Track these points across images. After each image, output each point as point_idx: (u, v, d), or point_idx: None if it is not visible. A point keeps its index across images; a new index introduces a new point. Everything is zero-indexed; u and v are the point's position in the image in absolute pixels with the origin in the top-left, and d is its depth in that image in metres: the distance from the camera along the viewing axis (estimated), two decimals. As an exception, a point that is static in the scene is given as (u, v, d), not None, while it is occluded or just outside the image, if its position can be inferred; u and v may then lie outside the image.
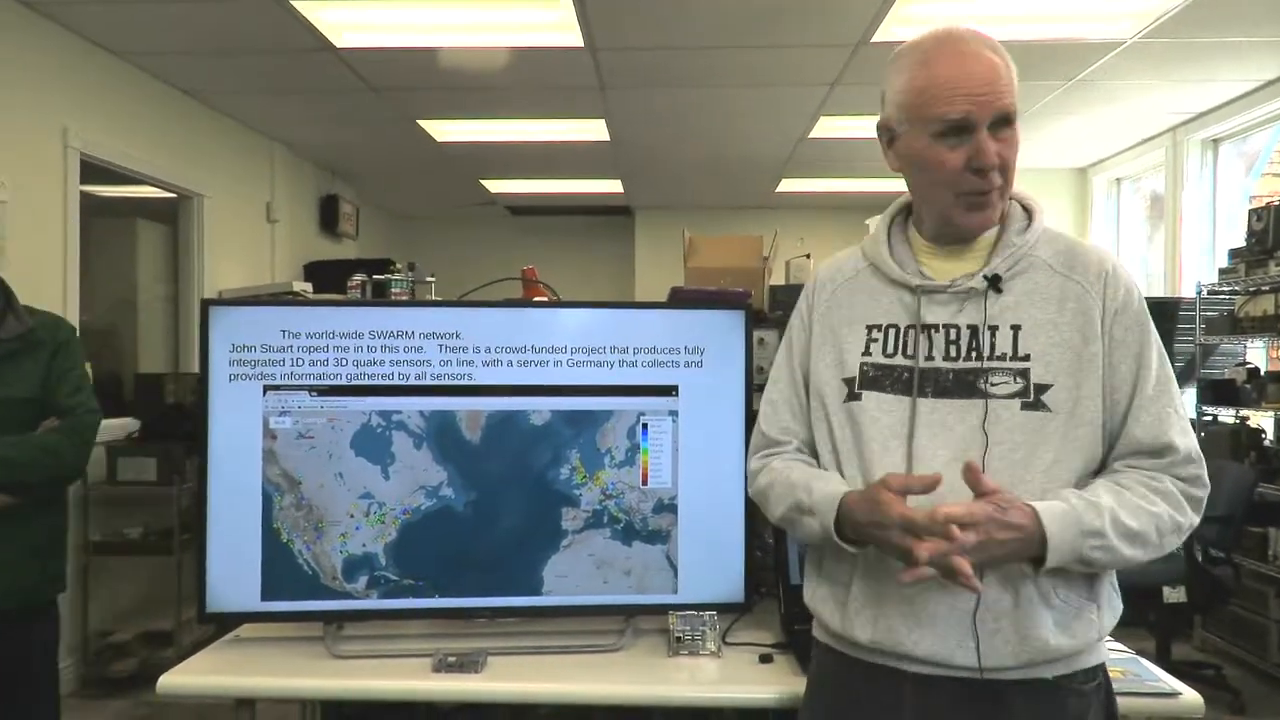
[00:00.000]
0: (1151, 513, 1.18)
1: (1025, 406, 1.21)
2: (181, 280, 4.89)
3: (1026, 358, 1.22)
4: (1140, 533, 1.18)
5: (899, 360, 1.28)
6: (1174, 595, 3.58)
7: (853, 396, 1.31)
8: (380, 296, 2.54)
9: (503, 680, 1.65)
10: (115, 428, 3.95)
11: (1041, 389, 1.21)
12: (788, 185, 7.09)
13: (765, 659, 1.71)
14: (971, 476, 1.15)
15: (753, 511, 1.77)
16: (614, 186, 7.23)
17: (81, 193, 3.86)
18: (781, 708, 1.55)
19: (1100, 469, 1.25)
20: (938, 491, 1.16)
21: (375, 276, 2.57)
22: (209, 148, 4.94)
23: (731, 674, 1.67)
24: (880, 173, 5.55)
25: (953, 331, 1.26)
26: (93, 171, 3.99)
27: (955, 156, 1.20)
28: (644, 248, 8.24)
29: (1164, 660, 3.57)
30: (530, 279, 3.00)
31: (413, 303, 2.56)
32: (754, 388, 1.89)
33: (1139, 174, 6.25)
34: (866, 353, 1.31)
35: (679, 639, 1.74)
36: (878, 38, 3.85)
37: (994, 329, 1.24)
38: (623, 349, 1.85)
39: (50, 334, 2.12)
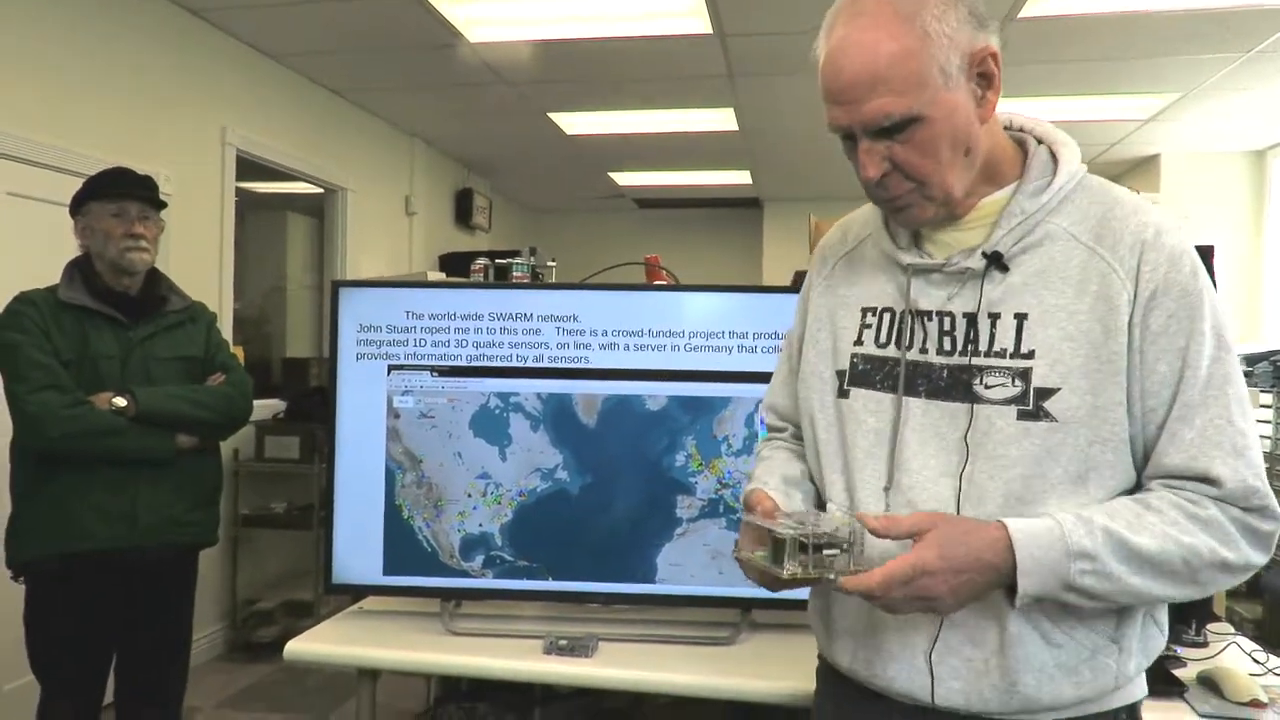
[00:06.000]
0: (1180, 541, 0.93)
1: (1023, 415, 0.98)
2: (326, 270, 5.13)
3: (1030, 354, 0.99)
4: (1157, 559, 0.93)
5: (890, 352, 1.08)
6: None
7: (842, 393, 1.12)
8: (502, 280, 2.58)
9: (613, 667, 1.63)
10: (264, 408, 4.18)
11: (1044, 394, 0.97)
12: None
13: (887, 662, 1.62)
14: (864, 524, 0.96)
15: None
16: (743, 178, 7.13)
17: (237, 188, 4.11)
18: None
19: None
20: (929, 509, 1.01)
21: (498, 260, 2.60)
22: (353, 143, 5.17)
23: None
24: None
25: (947, 320, 1.04)
26: (247, 167, 4.24)
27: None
28: (772, 240, 8.09)
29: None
30: (653, 265, 2.98)
31: (532, 285, 2.58)
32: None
33: (1326, 157, 5.68)
34: (859, 341, 1.12)
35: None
36: (1026, 12, 3.62)
37: (994, 317, 1.01)
38: (742, 334, 1.79)
39: (202, 312, 2.37)
